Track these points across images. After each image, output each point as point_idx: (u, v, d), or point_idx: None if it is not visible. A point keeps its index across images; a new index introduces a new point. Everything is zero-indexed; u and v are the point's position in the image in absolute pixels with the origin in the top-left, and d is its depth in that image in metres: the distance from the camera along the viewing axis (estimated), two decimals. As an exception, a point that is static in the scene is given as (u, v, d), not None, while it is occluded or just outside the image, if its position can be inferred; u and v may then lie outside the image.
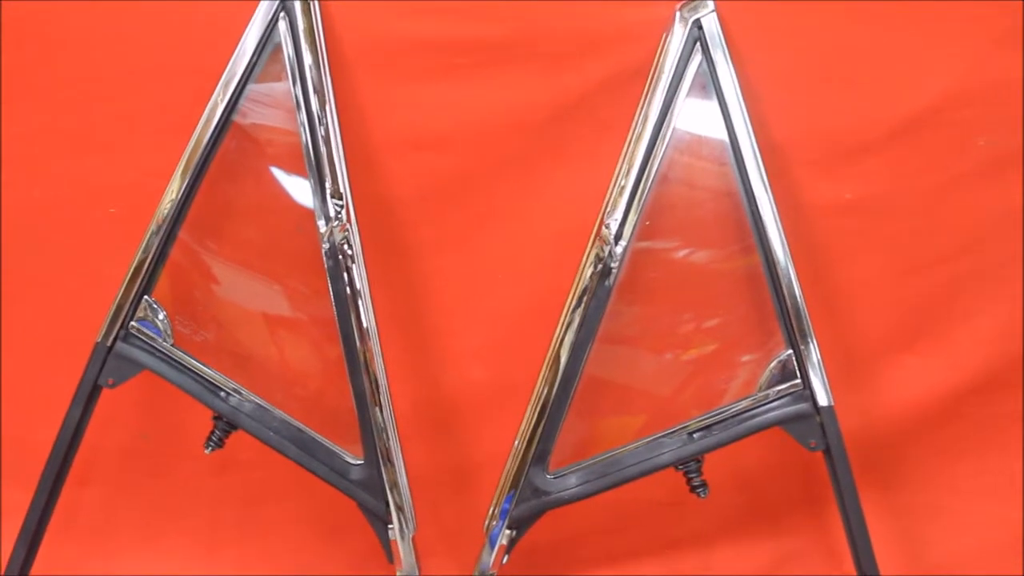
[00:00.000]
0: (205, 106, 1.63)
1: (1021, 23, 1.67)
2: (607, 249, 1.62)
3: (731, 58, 1.61)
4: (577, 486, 1.69)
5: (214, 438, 1.71)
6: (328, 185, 1.63)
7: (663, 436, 1.68)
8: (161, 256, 1.66)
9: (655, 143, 1.61)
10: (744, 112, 1.60)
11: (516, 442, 1.68)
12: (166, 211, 1.64)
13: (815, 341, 1.62)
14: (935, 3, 1.67)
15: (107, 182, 1.79)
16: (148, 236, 1.64)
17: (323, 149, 1.63)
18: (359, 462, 1.70)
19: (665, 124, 1.61)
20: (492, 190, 1.78)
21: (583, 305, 1.63)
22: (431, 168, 1.77)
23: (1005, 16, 1.67)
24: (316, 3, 1.64)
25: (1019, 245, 1.78)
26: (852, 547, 1.69)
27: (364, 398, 1.67)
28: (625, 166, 1.62)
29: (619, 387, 1.75)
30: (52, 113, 1.76)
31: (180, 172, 1.63)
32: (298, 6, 1.63)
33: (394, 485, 1.69)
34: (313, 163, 1.63)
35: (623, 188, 1.61)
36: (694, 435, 1.67)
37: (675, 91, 1.62)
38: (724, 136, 1.62)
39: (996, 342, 1.83)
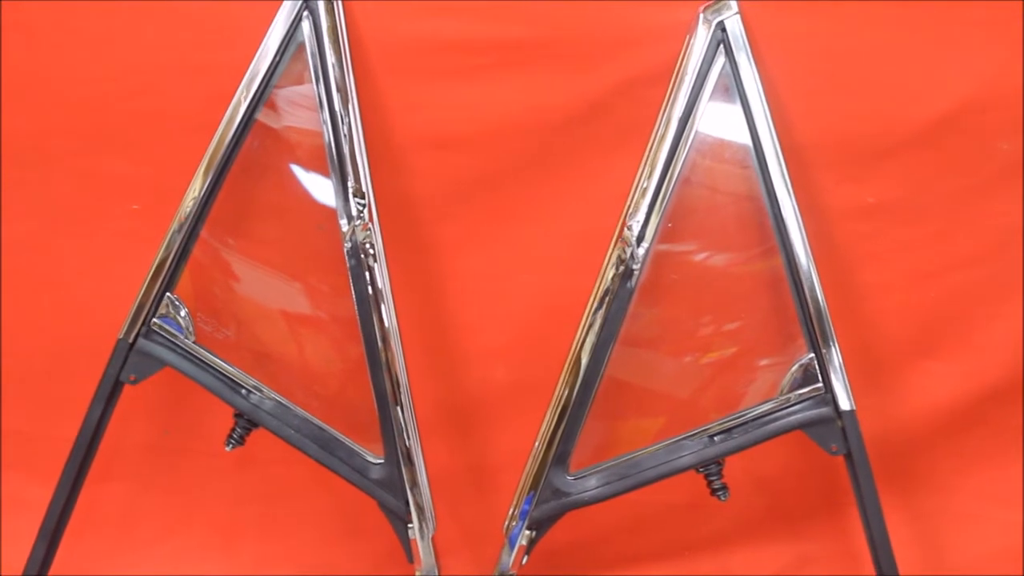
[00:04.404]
0: (228, 104, 1.63)
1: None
2: (629, 251, 1.62)
3: (754, 61, 1.60)
4: (597, 488, 1.69)
5: (235, 435, 1.72)
6: (350, 184, 1.63)
7: (684, 438, 1.68)
8: (183, 253, 1.66)
9: (678, 145, 1.61)
10: (767, 115, 1.60)
11: (536, 443, 1.68)
12: (188, 209, 1.64)
13: (837, 345, 1.62)
14: (956, 6, 1.67)
15: (130, 179, 1.79)
16: (170, 234, 1.65)
17: (345, 148, 1.63)
18: (379, 461, 1.70)
19: (688, 126, 1.61)
20: (514, 190, 1.78)
21: (604, 307, 1.63)
22: (453, 168, 1.77)
23: (1025, 19, 1.68)
24: (339, 3, 1.65)
25: (1042, 249, 1.78)
26: (872, 551, 1.68)
27: (385, 397, 1.67)
28: (647, 168, 1.61)
29: (640, 389, 1.75)
30: (76, 110, 1.76)
31: (203, 170, 1.64)
32: (322, 5, 1.63)
33: (414, 484, 1.69)
34: (336, 162, 1.64)
35: (645, 190, 1.61)
36: (715, 438, 1.67)
37: (698, 93, 1.61)
38: (747, 139, 1.62)
39: (1018, 347, 1.82)
